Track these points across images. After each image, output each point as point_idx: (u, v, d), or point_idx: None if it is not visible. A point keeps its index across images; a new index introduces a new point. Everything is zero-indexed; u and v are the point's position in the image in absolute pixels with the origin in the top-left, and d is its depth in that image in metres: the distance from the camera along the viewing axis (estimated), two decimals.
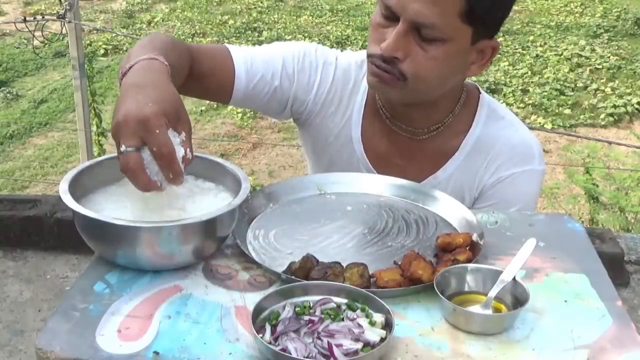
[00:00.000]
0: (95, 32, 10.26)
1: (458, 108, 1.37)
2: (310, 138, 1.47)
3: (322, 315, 0.86)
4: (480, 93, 1.42)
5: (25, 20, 5.76)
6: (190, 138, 0.98)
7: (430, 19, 1.18)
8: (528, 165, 1.37)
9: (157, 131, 0.92)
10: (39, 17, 6.13)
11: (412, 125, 1.37)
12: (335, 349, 0.80)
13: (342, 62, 1.43)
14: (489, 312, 0.90)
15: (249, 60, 1.36)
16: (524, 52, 9.53)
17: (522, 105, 8.10)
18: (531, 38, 10.05)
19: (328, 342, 0.81)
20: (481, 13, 1.20)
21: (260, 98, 1.38)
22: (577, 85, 8.59)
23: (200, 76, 1.30)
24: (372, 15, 1.29)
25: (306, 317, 0.85)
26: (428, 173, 1.38)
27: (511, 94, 8.31)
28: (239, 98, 1.37)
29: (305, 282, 0.94)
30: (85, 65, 5.40)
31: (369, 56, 1.28)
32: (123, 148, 0.92)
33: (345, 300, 0.89)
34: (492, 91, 8.21)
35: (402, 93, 1.28)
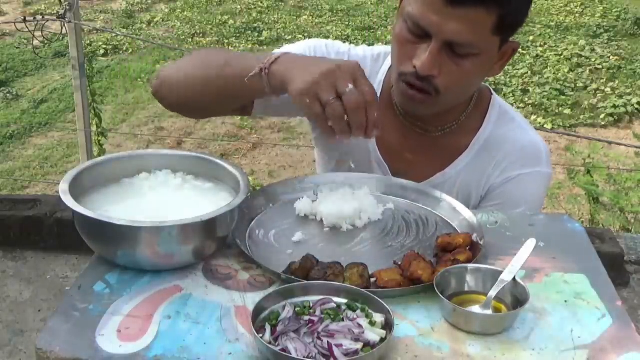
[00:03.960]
0: (95, 32, 10.25)
1: (470, 108, 1.39)
2: None
3: (322, 316, 0.86)
4: (492, 94, 1.43)
5: (25, 20, 5.75)
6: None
7: (466, 38, 1.18)
8: (536, 168, 1.38)
9: (365, 76, 1.04)
10: (39, 17, 6.12)
11: (425, 123, 1.38)
12: (335, 349, 0.80)
13: (356, 53, 1.43)
14: (489, 312, 0.90)
15: None
16: (524, 52, 9.51)
17: (522, 105, 8.09)
18: (531, 38, 10.03)
19: (328, 342, 0.81)
20: (511, 24, 1.21)
21: (279, 102, 1.38)
22: (577, 85, 8.58)
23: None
24: (394, 28, 1.26)
25: (306, 317, 0.85)
26: (437, 169, 1.39)
27: (511, 94, 8.30)
28: (261, 108, 1.37)
29: (305, 282, 0.94)
30: (85, 65, 5.39)
31: (401, 74, 1.27)
32: (350, 87, 1.05)
33: (345, 300, 0.89)
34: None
35: (431, 107, 1.29)
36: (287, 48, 1.44)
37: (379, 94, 1.41)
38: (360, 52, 1.43)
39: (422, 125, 1.38)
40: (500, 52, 1.27)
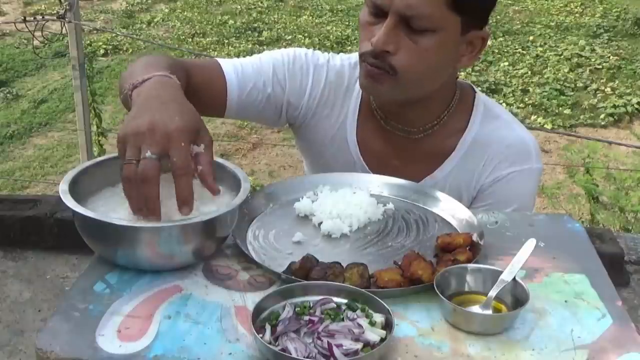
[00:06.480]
0: (95, 32, 10.25)
1: (452, 106, 1.37)
2: (305, 142, 1.47)
3: (322, 316, 0.86)
4: (475, 93, 1.42)
5: (25, 21, 5.75)
6: (210, 149, 0.99)
7: (418, 9, 1.18)
8: (525, 164, 1.37)
9: (182, 144, 0.94)
10: (39, 17, 6.12)
11: (407, 125, 1.37)
12: (335, 349, 0.80)
13: (334, 64, 1.42)
14: (489, 312, 0.90)
15: (240, 70, 1.36)
16: (524, 52, 9.51)
17: (522, 105, 8.09)
18: (531, 38, 10.03)
19: (328, 342, 0.81)
20: (470, 2, 1.20)
21: (254, 107, 1.38)
22: (577, 85, 8.58)
23: (194, 91, 1.27)
24: (360, 15, 1.29)
25: (306, 317, 0.85)
26: (425, 173, 1.38)
27: (511, 94, 8.30)
28: (234, 109, 1.37)
29: (305, 282, 0.94)
30: (85, 65, 5.40)
31: (361, 55, 1.27)
32: (148, 154, 0.92)
33: (345, 301, 0.89)
34: (492, 91, 8.19)
35: (393, 90, 1.27)
36: (269, 54, 1.43)
37: (358, 102, 1.41)
38: (337, 62, 1.43)
39: (403, 128, 1.37)
40: (466, 39, 1.26)
